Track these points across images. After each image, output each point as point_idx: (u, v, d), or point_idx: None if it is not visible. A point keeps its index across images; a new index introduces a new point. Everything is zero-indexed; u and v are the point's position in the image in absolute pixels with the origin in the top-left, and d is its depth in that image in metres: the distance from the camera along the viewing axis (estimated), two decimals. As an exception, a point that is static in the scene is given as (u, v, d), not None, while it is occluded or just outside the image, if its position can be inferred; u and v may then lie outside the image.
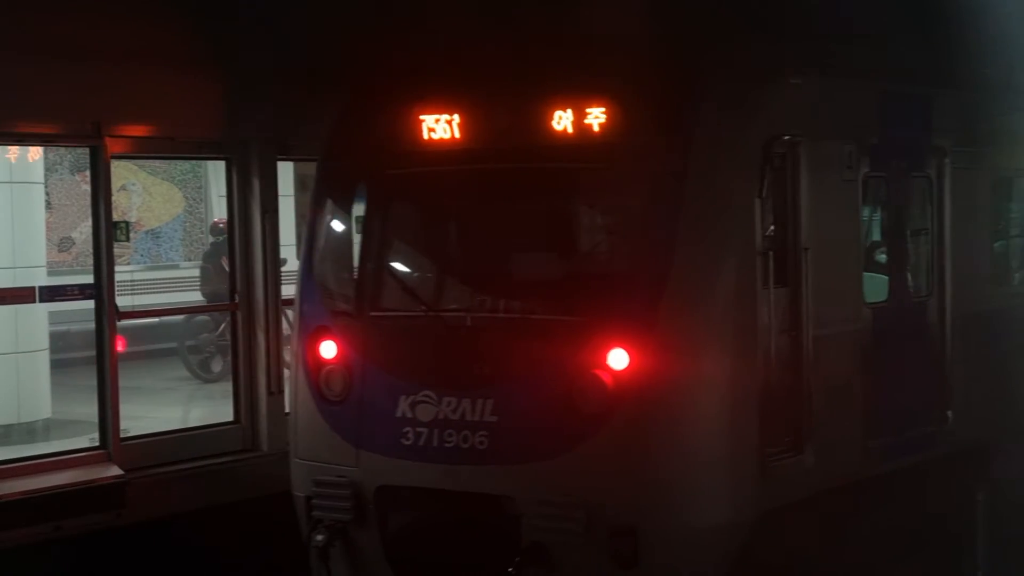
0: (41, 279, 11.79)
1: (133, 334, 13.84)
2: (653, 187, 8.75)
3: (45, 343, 12.53)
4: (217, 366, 15.46)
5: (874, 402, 9.92)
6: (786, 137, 9.03)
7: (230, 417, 11.46)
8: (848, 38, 9.93)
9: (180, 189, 19.90)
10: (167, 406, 13.47)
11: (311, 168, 12.08)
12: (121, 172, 17.90)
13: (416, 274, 9.96)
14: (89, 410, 10.68)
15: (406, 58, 9.62)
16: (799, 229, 9.25)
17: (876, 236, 10.80)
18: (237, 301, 11.43)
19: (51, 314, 12.60)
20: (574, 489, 8.42)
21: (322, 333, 9.40)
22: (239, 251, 11.43)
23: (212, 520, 10.94)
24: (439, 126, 9.24)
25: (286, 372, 10.64)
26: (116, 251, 10.64)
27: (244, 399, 11.39)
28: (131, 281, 15.49)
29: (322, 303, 9.57)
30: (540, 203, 9.35)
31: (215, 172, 18.71)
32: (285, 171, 11.84)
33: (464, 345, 8.98)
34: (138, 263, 19.14)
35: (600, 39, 8.90)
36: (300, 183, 12.19)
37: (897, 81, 10.48)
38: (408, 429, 8.86)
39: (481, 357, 8.86)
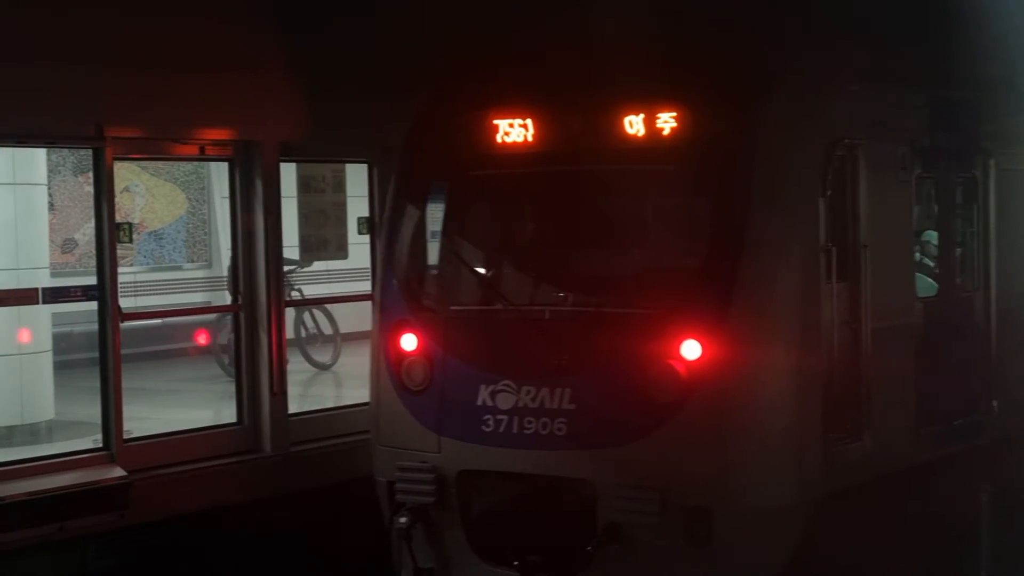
0: (44, 280, 11.79)
1: (136, 335, 13.87)
2: (723, 187, 9.27)
3: (48, 344, 12.53)
4: None
5: (925, 391, 10.42)
6: (846, 140, 9.64)
7: (233, 418, 11.46)
8: (900, 45, 10.50)
9: (183, 190, 19.88)
10: (170, 407, 13.47)
11: (313, 169, 12.16)
12: (124, 173, 17.90)
13: (494, 271, 10.40)
14: (92, 411, 10.68)
15: (481, 66, 10.28)
16: (858, 227, 9.81)
17: (926, 234, 11.39)
18: (240, 302, 11.44)
19: (54, 315, 12.60)
20: (650, 472, 8.91)
21: (403, 327, 9.89)
22: (241, 252, 11.43)
23: (215, 521, 10.96)
24: (513, 130, 9.76)
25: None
26: (119, 252, 10.64)
27: (247, 400, 11.40)
28: (134, 282, 15.51)
29: (402, 298, 10.05)
30: (613, 203, 9.91)
31: (218, 174, 18.71)
32: (288, 172, 11.84)
33: (543, 337, 9.46)
34: (141, 264, 19.12)
35: (670, 48, 9.44)
36: (303, 184, 12.19)
37: (945, 87, 11.03)
38: (489, 417, 9.36)
39: (559, 348, 9.35)
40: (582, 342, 9.33)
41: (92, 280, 10.51)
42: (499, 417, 9.34)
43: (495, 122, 9.82)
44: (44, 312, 12.13)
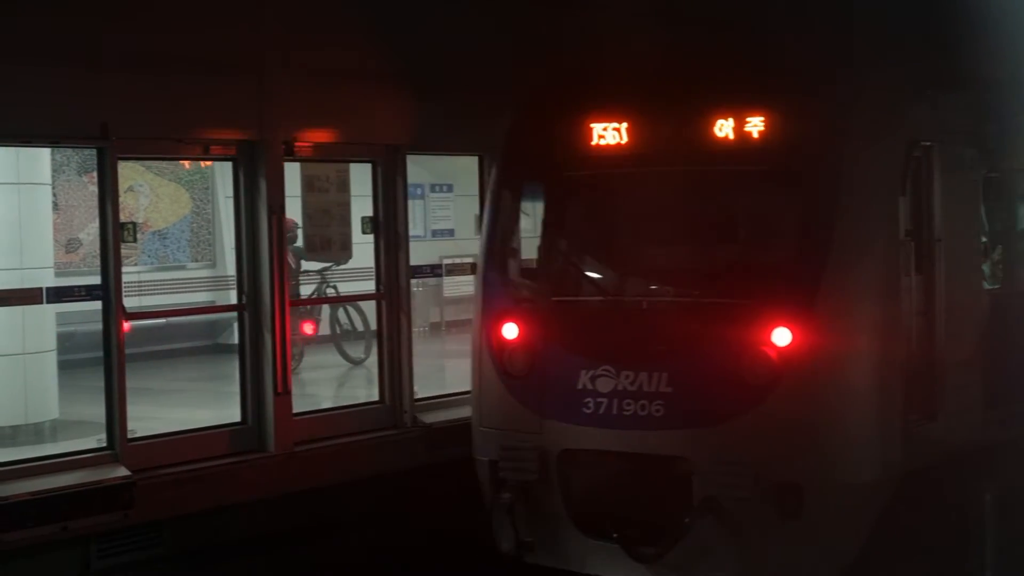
0: (48, 280, 11.79)
1: (140, 335, 13.87)
2: (811, 186, 10.02)
3: (53, 344, 12.54)
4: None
5: (991, 377, 11.16)
6: (923, 143, 10.43)
7: (237, 418, 11.46)
8: (969, 52, 11.13)
9: (187, 190, 19.89)
10: (174, 407, 13.48)
11: (317, 169, 12.16)
12: (128, 173, 17.91)
13: (593, 264, 11.13)
14: (96, 411, 10.68)
15: (577, 72, 10.98)
16: (932, 223, 10.56)
17: (994, 229, 12.11)
18: (244, 302, 11.43)
19: (58, 315, 12.60)
20: (744, 450, 9.62)
21: (505, 317, 10.61)
22: (246, 252, 11.42)
23: (218, 521, 10.95)
24: (608, 133, 10.49)
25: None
26: (123, 252, 10.64)
27: (251, 400, 11.39)
28: (138, 282, 15.51)
29: (504, 290, 10.82)
30: (704, 201, 10.61)
31: (222, 173, 18.71)
32: (292, 172, 11.84)
33: (641, 326, 10.21)
34: (145, 264, 19.13)
35: (758, 56, 10.23)
36: (307, 184, 12.18)
37: (1008, 92, 11.73)
38: (589, 399, 10.05)
39: (656, 336, 10.09)
40: (678, 330, 10.04)
41: (96, 280, 10.51)
42: (599, 400, 10.02)
43: (591, 125, 10.52)
44: (48, 312, 12.13)
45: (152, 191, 19.54)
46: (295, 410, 11.57)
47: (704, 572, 9.85)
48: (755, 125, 10.09)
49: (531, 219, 11.17)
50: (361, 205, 12.66)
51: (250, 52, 11.28)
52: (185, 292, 18.85)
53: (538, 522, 10.30)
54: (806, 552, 9.75)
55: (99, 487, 10.02)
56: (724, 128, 10.17)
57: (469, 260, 14.44)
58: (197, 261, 19.96)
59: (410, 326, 12.60)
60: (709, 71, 10.29)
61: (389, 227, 12.49)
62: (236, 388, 11.53)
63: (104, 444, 10.46)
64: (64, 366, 12.84)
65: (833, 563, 9.83)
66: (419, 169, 18.90)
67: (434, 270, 14.89)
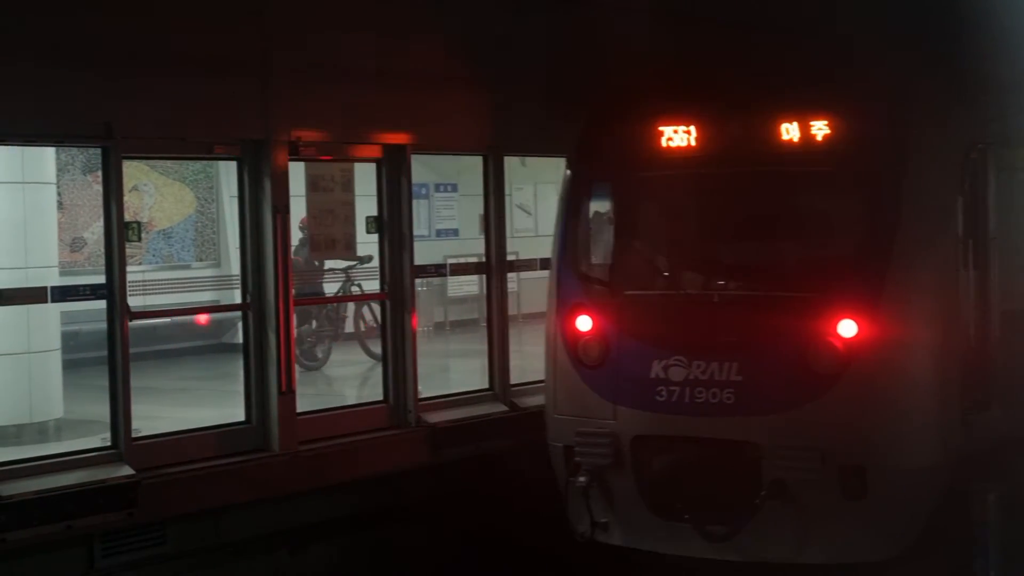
0: (53, 279, 11.80)
1: (144, 334, 13.88)
2: (875, 186, 10.63)
3: (57, 343, 12.54)
4: (320, 353, 16.79)
5: None
6: (979, 145, 11.04)
7: (241, 417, 11.46)
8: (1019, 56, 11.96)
9: (191, 189, 19.91)
10: (178, 406, 13.49)
11: (321, 168, 12.16)
12: (133, 172, 17.92)
13: (664, 259, 11.69)
14: (101, 410, 10.69)
15: (646, 79, 11.68)
16: (988, 221, 11.11)
17: None
18: (248, 301, 11.43)
19: (63, 314, 12.61)
20: (811, 435, 10.18)
21: (579, 310, 11.19)
22: (250, 251, 11.42)
23: (221, 521, 10.96)
24: (677, 136, 11.08)
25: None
26: (128, 251, 10.65)
27: (255, 400, 11.39)
28: (143, 281, 15.52)
29: (578, 285, 11.38)
30: (770, 199, 11.19)
31: (227, 172, 18.73)
32: (296, 171, 11.85)
33: (712, 318, 10.77)
34: (150, 263, 19.15)
35: (823, 63, 10.99)
36: (311, 183, 12.18)
37: None
38: (662, 388, 10.63)
39: (727, 328, 10.65)
40: (748, 322, 10.59)
41: (101, 279, 10.51)
42: (671, 388, 10.60)
43: (661, 128, 11.12)
44: (53, 311, 12.14)
45: (157, 190, 19.57)
46: (299, 409, 11.57)
47: (772, 550, 10.39)
48: (820, 128, 10.67)
49: (600, 218, 11.72)
50: (365, 205, 12.67)
51: (255, 51, 11.29)
52: (189, 291, 18.87)
53: (611, 504, 10.87)
54: (868, 532, 10.26)
55: (103, 486, 10.02)
56: (790, 131, 10.74)
57: (473, 259, 14.47)
58: (201, 260, 19.97)
59: (414, 326, 12.59)
60: (774, 77, 11.06)
61: (393, 227, 12.49)
62: (240, 387, 11.53)
63: (108, 443, 10.46)
64: (68, 365, 12.85)
65: (894, 543, 10.34)
66: (423, 169, 18.92)
67: (438, 270, 14.89)
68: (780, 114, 10.78)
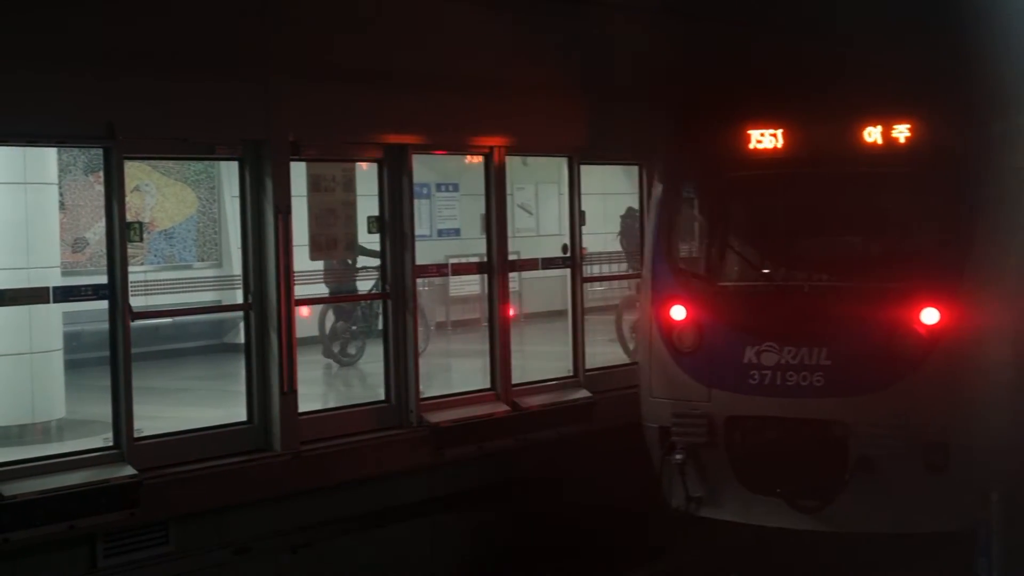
0: (55, 280, 11.80)
1: (146, 334, 13.88)
2: (954, 184, 11.46)
3: (59, 343, 12.55)
4: (353, 349, 17.20)
5: None
6: None
7: (243, 417, 11.47)
8: None
9: (193, 190, 19.91)
10: (180, 406, 13.49)
11: (323, 168, 12.18)
12: (134, 173, 17.92)
13: (754, 253, 12.42)
14: (103, 410, 10.69)
15: (735, 85, 12.53)
16: None
17: None
18: (250, 301, 11.44)
19: (65, 314, 12.61)
20: (897, 414, 11.00)
21: (673, 301, 12.05)
22: (252, 251, 11.43)
23: (223, 521, 10.97)
24: (765, 139, 11.94)
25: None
26: (130, 251, 10.65)
27: (257, 400, 11.40)
28: (144, 281, 15.52)
29: (673, 277, 12.23)
30: (854, 197, 12.07)
31: (228, 173, 18.72)
32: (298, 171, 11.86)
33: (802, 307, 11.56)
34: (151, 264, 19.15)
35: (902, 69, 11.72)
36: (313, 183, 12.19)
37: None
38: (754, 372, 11.48)
39: (816, 316, 11.42)
40: (836, 311, 11.36)
41: (103, 279, 10.52)
42: (764, 372, 11.43)
43: (749, 132, 11.98)
44: (55, 311, 12.14)
45: (158, 191, 19.56)
46: (300, 409, 11.58)
47: (858, 521, 11.21)
48: (901, 131, 11.56)
49: (691, 215, 12.72)
50: (367, 205, 12.68)
51: (257, 52, 11.30)
52: (191, 291, 18.85)
53: (706, 479, 11.71)
54: (948, 504, 11.02)
55: (106, 486, 10.04)
56: (873, 134, 11.61)
57: (475, 259, 14.48)
58: (203, 260, 19.96)
59: (416, 325, 12.60)
60: (858, 84, 11.75)
61: (395, 227, 12.50)
62: (242, 387, 11.54)
63: (111, 443, 10.48)
64: (71, 365, 12.85)
65: (971, 514, 10.84)
66: (425, 169, 18.92)
67: (440, 270, 14.89)
68: (864, 118, 11.60)
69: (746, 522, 11.67)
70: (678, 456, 11.67)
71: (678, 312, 12.04)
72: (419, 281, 12.76)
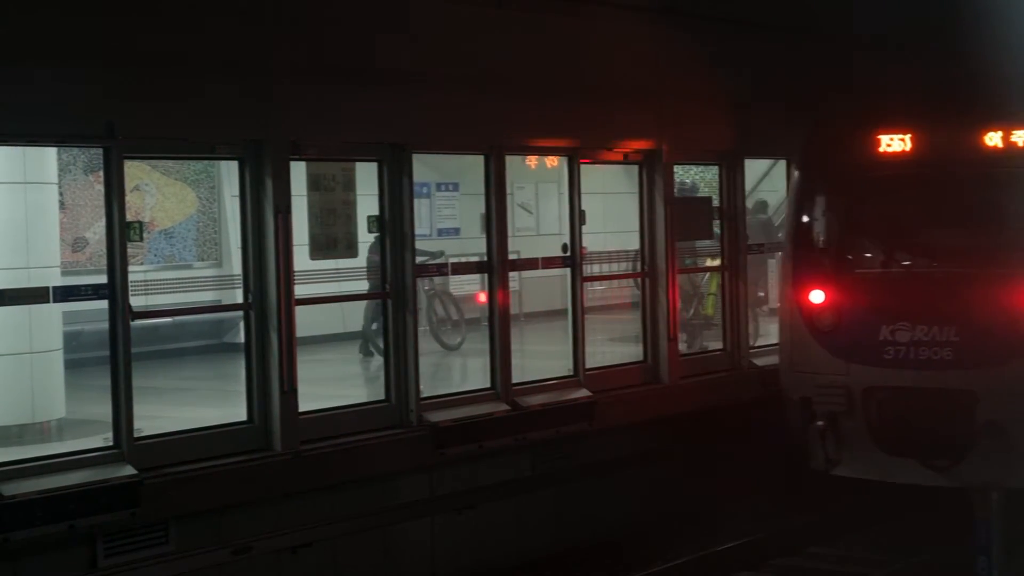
0: (55, 279, 11.79)
1: (145, 334, 13.87)
2: None
3: (59, 343, 12.54)
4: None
5: None
6: None
7: (243, 417, 11.46)
8: None
9: (193, 189, 19.90)
10: (180, 406, 13.49)
11: (323, 168, 12.17)
12: (134, 172, 17.92)
13: (887, 243, 13.86)
14: (103, 410, 10.69)
15: (866, 92, 14.41)
16: None
17: None
18: (250, 301, 11.44)
19: (65, 314, 12.60)
20: (1018, 383, 12.47)
21: (813, 286, 13.64)
22: (252, 251, 11.43)
23: (223, 520, 10.97)
24: (894, 142, 13.48)
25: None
26: (129, 251, 10.65)
27: (257, 399, 11.40)
28: (144, 281, 15.52)
29: (811, 266, 13.81)
30: (977, 194, 13.52)
31: (228, 172, 18.72)
32: (298, 171, 11.86)
33: (931, 290, 13.12)
34: (151, 263, 19.14)
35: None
36: (312, 183, 12.19)
37: None
38: (889, 347, 13.03)
39: (945, 297, 12.92)
40: (962, 294, 12.85)
41: (103, 279, 10.52)
42: (898, 347, 12.99)
43: (879, 136, 13.53)
44: (55, 311, 12.13)
45: (158, 190, 19.56)
46: (301, 409, 11.58)
47: (984, 478, 12.44)
48: (1020, 136, 12.94)
49: (831, 209, 14.04)
50: (367, 204, 12.69)
51: (257, 51, 11.31)
52: (191, 291, 18.84)
53: (844, 444, 13.20)
54: None
55: (106, 486, 10.03)
56: (993, 139, 13.01)
57: (475, 259, 14.49)
58: (203, 260, 19.96)
59: (416, 325, 12.61)
60: (979, 93, 13.18)
61: (395, 226, 12.50)
62: (242, 387, 11.53)
63: (111, 443, 10.48)
64: (71, 365, 12.85)
65: None
66: (425, 168, 18.92)
67: (440, 269, 14.88)
68: (986, 124, 13.03)
69: (881, 480, 13.11)
70: (820, 423, 13.16)
71: (817, 296, 13.62)
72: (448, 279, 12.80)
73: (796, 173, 14.47)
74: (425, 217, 20.39)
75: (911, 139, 13.47)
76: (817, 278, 13.73)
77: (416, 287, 12.67)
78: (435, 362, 17.23)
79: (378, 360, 16.31)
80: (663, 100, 14.92)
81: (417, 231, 12.69)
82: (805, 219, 14.13)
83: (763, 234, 17.86)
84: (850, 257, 13.83)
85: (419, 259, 12.94)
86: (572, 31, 14.14)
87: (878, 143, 13.59)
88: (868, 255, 13.99)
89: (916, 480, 12.90)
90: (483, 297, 14.06)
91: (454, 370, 17.39)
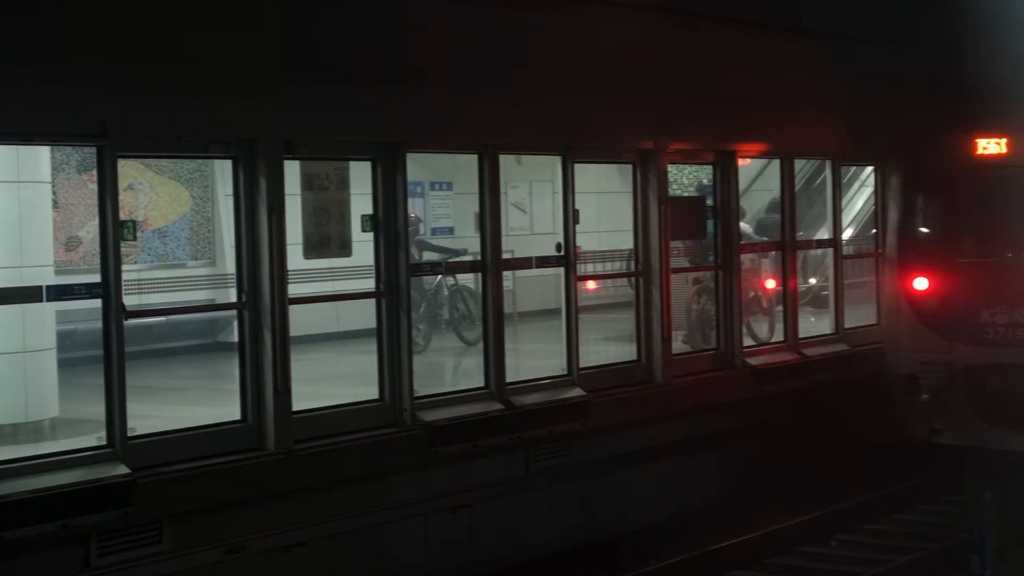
0: (48, 278, 11.78)
1: (138, 333, 13.85)
2: None
3: (52, 342, 12.53)
4: (420, 340, 17.48)
5: None
6: None
7: (237, 416, 11.46)
8: None
9: (186, 188, 19.89)
10: (174, 405, 13.48)
11: (317, 167, 12.17)
12: (128, 171, 17.90)
13: (986, 235, 15.48)
14: (96, 409, 10.68)
15: (965, 100, 15.69)
16: None
17: None
18: (244, 300, 11.43)
19: (58, 313, 12.60)
20: None
21: (917, 273, 15.45)
22: (245, 250, 11.42)
23: (217, 519, 10.96)
24: (991, 145, 15.20)
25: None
26: (123, 250, 10.64)
27: (251, 398, 11.39)
28: (138, 280, 15.51)
29: (916, 256, 15.62)
30: None
31: (221, 171, 18.70)
32: (292, 169, 11.85)
33: None
34: (145, 262, 19.13)
35: None
36: (306, 182, 12.18)
37: None
38: (989, 329, 14.81)
39: None
40: None
41: (96, 278, 10.51)
42: (997, 328, 14.74)
43: (976, 140, 15.21)
44: (48, 310, 12.12)
45: (152, 189, 19.55)
46: (295, 408, 11.57)
47: None
48: None
49: (929, 205, 15.94)
50: (361, 203, 12.68)
51: (253, 49, 11.31)
52: (185, 290, 18.84)
53: (946, 415, 14.81)
54: None
55: (99, 485, 10.02)
56: None
57: (468, 258, 14.51)
58: (197, 259, 19.95)
59: (410, 324, 12.60)
60: None
61: (389, 225, 12.50)
62: (236, 386, 11.53)
63: (104, 442, 10.46)
64: (64, 364, 12.83)
65: None
66: (418, 167, 18.92)
67: (434, 268, 14.89)
68: None
69: (981, 446, 14.43)
70: (924, 396, 14.76)
71: (921, 283, 15.37)
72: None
73: (899, 174, 16.26)
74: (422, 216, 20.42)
75: (1007, 143, 15.13)
76: (921, 267, 15.43)
77: (413, 284, 12.64)
78: (453, 359, 17.37)
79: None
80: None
81: (432, 227, 12.64)
82: (910, 213, 15.86)
83: (778, 233, 17.86)
84: (952, 248, 15.43)
85: (440, 257, 12.98)
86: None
87: (976, 146, 15.23)
88: (968, 246, 15.47)
89: (1014, 446, 14.18)
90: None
91: (446, 369, 17.37)
